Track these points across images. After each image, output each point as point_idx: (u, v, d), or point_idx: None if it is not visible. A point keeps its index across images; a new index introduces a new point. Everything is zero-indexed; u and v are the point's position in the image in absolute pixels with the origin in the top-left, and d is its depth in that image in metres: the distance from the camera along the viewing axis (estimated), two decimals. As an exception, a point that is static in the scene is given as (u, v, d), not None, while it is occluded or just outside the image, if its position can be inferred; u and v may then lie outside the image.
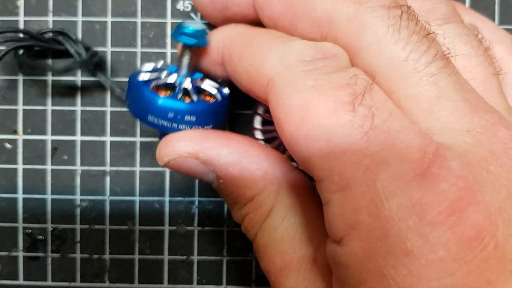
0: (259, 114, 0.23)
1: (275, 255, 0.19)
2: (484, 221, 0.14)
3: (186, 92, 0.20)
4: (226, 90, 0.21)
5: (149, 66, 0.21)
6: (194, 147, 0.19)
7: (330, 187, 0.16)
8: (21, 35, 0.24)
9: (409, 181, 0.15)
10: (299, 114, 0.16)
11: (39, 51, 0.25)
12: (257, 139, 0.23)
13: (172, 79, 0.20)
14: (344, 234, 0.16)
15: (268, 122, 0.23)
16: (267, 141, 0.23)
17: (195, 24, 0.19)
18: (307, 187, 0.20)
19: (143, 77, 0.20)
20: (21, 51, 0.24)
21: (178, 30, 0.20)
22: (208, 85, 0.21)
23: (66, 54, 0.24)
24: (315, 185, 0.17)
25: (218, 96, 0.21)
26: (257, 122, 0.23)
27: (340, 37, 0.17)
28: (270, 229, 0.19)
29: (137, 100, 0.19)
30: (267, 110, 0.23)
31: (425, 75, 0.16)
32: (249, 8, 0.20)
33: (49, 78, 0.26)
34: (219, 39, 0.20)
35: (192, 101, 0.20)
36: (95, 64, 0.24)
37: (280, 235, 0.19)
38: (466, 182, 0.15)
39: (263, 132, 0.23)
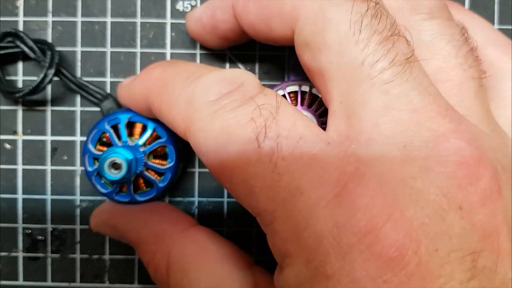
0: None
1: None
2: (404, 238, 0.14)
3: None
4: (165, 180, 0.23)
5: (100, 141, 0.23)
6: (105, 216, 0.23)
7: (261, 221, 0.17)
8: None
9: (326, 204, 0.15)
10: (217, 160, 0.16)
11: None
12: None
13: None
14: (281, 262, 0.16)
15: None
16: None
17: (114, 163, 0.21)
18: (209, 236, 0.22)
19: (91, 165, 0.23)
20: None
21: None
22: (152, 170, 0.23)
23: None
24: None
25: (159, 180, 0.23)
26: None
27: (306, 31, 0.17)
28: (174, 285, 0.21)
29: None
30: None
31: (378, 82, 0.16)
32: (233, 21, 0.21)
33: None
34: (141, 87, 0.21)
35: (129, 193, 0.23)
36: (56, 64, 0.24)
37: None
38: (384, 200, 0.14)
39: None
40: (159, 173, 0.23)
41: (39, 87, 0.24)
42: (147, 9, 0.26)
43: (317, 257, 0.15)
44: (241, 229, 0.26)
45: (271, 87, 0.24)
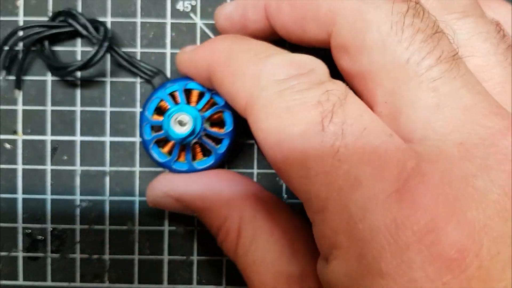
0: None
1: (252, 278, 0.20)
2: (466, 239, 0.14)
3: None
4: (223, 147, 0.23)
5: (154, 103, 0.23)
6: (166, 187, 0.22)
7: (310, 208, 0.16)
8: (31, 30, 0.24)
9: (385, 199, 0.14)
10: (276, 139, 0.16)
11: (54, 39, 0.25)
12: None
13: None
14: (328, 253, 0.16)
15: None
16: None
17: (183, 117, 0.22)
18: (283, 207, 0.21)
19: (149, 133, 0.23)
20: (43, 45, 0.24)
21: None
22: (209, 138, 0.23)
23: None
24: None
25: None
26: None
27: (344, 34, 0.17)
28: (242, 254, 0.20)
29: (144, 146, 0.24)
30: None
31: (426, 79, 0.15)
32: (264, 21, 0.21)
33: (49, 78, 0.26)
34: (205, 55, 0.21)
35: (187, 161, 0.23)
36: (109, 39, 0.24)
37: (251, 259, 0.20)
38: (446, 199, 0.14)
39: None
40: (217, 140, 0.23)
41: (91, 61, 0.23)
42: (147, 9, 0.26)
43: (371, 252, 0.14)
44: (241, 229, 0.26)
45: None
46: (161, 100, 0.23)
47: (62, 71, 0.24)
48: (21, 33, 0.24)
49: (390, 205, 0.14)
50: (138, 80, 0.26)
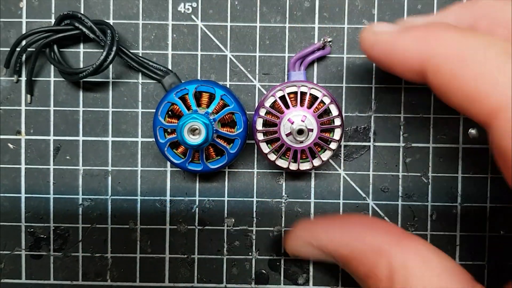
0: (261, 117, 0.23)
1: None
2: None
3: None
4: (235, 147, 0.24)
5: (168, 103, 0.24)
6: (308, 236, 0.22)
7: None
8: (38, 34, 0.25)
9: None
10: None
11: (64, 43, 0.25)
12: (259, 140, 0.24)
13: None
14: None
15: (269, 124, 0.24)
16: (269, 142, 0.24)
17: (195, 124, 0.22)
18: (432, 248, 0.21)
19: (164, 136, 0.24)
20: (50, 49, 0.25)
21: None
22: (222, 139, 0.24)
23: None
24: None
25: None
26: (259, 124, 0.24)
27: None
28: None
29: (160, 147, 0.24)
30: (268, 112, 0.23)
31: None
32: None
33: (52, 79, 0.26)
34: (417, 46, 0.19)
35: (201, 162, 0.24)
36: (117, 42, 0.24)
37: None
38: None
39: (265, 133, 0.24)
40: (229, 140, 0.24)
41: (102, 66, 0.24)
42: (148, 11, 0.26)
43: None
44: (242, 228, 0.26)
45: (271, 88, 0.24)
46: (173, 104, 0.23)
47: (74, 76, 0.24)
48: (28, 38, 0.25)
49: None
50: (140, 81, 0.26)
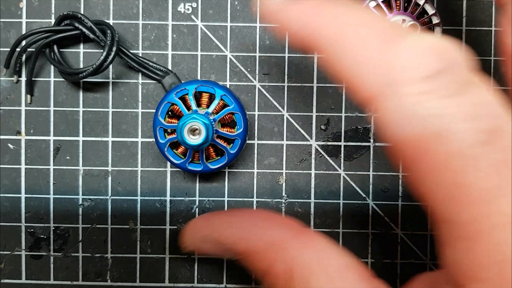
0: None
1: None
2: None
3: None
4: (235, 147, 0.24)
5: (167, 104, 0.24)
6: (205, 231, 0.21)
7: (451, 232, 0.14)
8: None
9: None
10: (414, 151, 0.14)
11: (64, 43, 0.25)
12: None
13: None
14: (464, 284, 0.14)
15: None
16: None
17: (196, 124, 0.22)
18: (327, 240, 0.20)
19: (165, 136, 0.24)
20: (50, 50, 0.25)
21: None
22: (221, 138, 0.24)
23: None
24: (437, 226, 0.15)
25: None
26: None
27: None
28: None
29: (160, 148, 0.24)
30: None
31: None
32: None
33: (52, 79, 0.26)
34: (306, 19, 0.17)
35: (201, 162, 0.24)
36: (117, 42, 0.24)
37: None
38: None
39: None
40: (229, 140, 0.24)
41: (102, 66, 0.24)
42: (148, 11, 0.26)
43: None
44: (241, 228, 0.26)
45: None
46: (173, 104, 0.23)
47: (74, 77, 0.24)
48: (28, 39, 0.25)
49: None
50: (140, 81, 0.26)
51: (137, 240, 0.26)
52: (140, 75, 0.26)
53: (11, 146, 0.26)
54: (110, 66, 0.25)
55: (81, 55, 0.26)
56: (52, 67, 0.26)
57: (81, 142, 0.26)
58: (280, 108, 0.26)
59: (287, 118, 0.26)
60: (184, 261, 0.26)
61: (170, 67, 0.26)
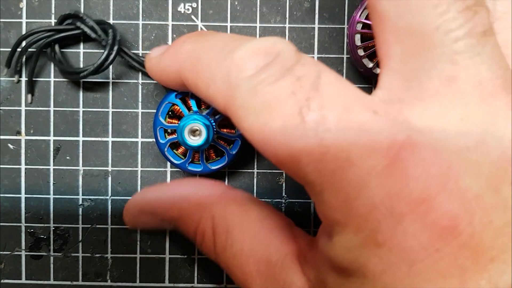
0: (358, 31, 0.23)
1: (235, 271, 0.20)
2: (458, 208, 0.14)
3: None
4: (235, 147, 0.24)
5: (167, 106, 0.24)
6: (139, 204, 0.23)
7: (309, 191, 0.17)
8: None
9: (377, 174, 0.14)
10: (260, 136, 0.16)
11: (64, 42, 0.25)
12: (360, 56, 0.24)
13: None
14: (330, 230, 0.16)
15: (367, 38, 0.24)
16: (370, 57, 0.24)
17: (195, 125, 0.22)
18: (254, 200, 0.22)
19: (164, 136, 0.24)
20: (52, 48, 0.25)
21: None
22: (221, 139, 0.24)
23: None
24: None
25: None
26: (357, 40, 0.24)
27: None
28: (221, 251, 0.21)
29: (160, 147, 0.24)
30: (364, 26, 0.23)
31: (449, 51, 0.15)
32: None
33: (52, 79, 0.26)
34: (172, 62, 0.20)
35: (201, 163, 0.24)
36: (118, 41, 0.24)
37: (230, 252, 0.20)
38: (439, 169, 0.14)
39: (364, 49, 0.24)
40: (229, 141, 0.24)
41: (103, 65, 0.24)
42: (148, 11, 0.26)
43: (368, 226, 0.15)
44: (242, 228, 0.26)
45: (362, 2, 0.24)
46: (174, 104, 0.23)
47: (75, 76, 0.24)
48: (30, 38, 0.25)
49: (382, 179, 0.14)
50: (140, 81, 0.26)
51: (137, 240, 0.26)
52: (140, 75, 0.26)
53: (11, 146, 0.26)
54: (110, 66, 0.25)
55: (81, 55, 0.26)
56: (52, 67, 0.26)
57: (81, 142, 0.26)
58: (280, 108, 0.26)
59: (287, 118, 0.26)
60: (184, 261, 0.26)
61: (170, 67, 0.26)
